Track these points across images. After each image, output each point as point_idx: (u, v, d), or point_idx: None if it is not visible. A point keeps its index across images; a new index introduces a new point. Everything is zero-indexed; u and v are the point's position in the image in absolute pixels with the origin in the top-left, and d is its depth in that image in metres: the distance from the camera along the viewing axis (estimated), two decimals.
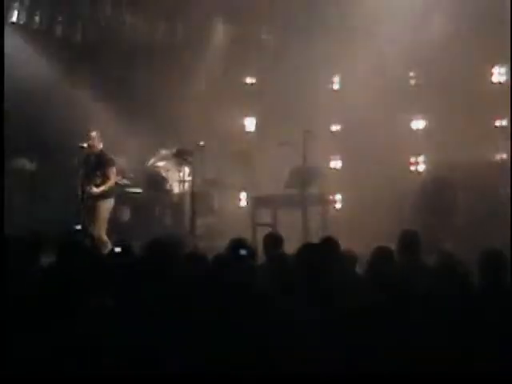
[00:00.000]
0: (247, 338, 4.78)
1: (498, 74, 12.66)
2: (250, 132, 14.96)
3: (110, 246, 10.58)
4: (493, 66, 12.68)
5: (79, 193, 11.69)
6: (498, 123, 12.55)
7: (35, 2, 13.78)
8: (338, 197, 13.99)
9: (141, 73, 13.59)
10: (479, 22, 11.90)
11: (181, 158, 12.28)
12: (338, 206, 13.95)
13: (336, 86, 14.43)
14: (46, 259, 6.98)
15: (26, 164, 13.50)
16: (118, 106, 13.12)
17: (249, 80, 14.96)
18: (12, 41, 13.15)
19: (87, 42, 13.84)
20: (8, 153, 12.81)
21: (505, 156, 12.12)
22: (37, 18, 14.12)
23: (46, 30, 13.79)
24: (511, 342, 4.40)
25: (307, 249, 6.69)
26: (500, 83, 12.62)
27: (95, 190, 11.48)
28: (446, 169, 12.00)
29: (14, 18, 14.23)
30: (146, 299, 5.66)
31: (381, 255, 6.34)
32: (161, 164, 13.08)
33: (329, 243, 6.84)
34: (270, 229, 10.38)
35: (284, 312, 5.21)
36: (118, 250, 7.50)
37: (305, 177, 11.72)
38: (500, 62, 12.58)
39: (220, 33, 14.23)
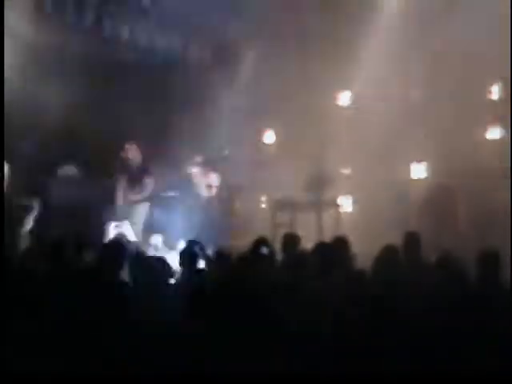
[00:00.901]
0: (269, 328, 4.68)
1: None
2: (270, 143, 14.90)
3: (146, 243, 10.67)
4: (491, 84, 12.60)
5: (120, 198, 11.77)
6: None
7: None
8: (349, 200, 13.90)
9: (176, 90, 13.53)
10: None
11: (209, 165, 12.29)
12: (349, 208, 13.86)
13: (347, 103, 14.31)
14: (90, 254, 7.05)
15: (72, 171, 13.53)
16: (155, 119, 13.09)
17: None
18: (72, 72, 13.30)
19: (124, 61, 13.81)
20: (57, 160, 12.89)
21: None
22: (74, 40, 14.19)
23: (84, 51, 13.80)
24: (506, 331, 4.33)
25: (321, 246, 6.71)
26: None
27: (135, 196, 11.55)
28: (447, 175, 11.96)
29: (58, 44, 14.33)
30: (180, 291, 5.70)
31: (387, 252, 6.34)
32: (192, 171, 13.05)
33: (340, 242, 6.84)
34: (288, 229, 10.39)
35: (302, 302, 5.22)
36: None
37: (319, 182, 11.73)
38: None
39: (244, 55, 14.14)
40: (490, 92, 12.55)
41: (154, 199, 12.10)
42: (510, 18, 11.28)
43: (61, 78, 12.73)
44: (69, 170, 13.30)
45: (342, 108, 14.18)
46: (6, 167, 11.74)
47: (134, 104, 12.83)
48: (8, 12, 11.83)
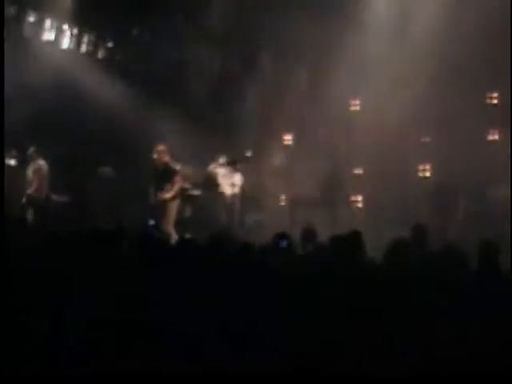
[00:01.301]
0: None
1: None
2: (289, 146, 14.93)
3: (175, 238, 10.72)
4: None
5: (152, 196, 11.85)
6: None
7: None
8: (360, 198, 13.89)
9: (202, 98, 13.60)
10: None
11: (232, 166, 12.35)
12: (360, 205, 13.87)
13: (357, 108, 14.34)
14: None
15: (110, 171, 13.65)
16: (183, 124, 13.18)
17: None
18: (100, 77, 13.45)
19: (157, 72, 13.91)
20: (97, 162, 13.03)
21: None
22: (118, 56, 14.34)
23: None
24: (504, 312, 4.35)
25: (336, 240, 6.76)
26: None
27: (164, 194, 11.62)
28: (448, 175, 11.95)
29: (100, 55, 14.49)
30: (205, 281, 5.74)
31: (397, 244, 6.35)
32: (216, 171, 13.12)
33: (353, 235, 6.87)
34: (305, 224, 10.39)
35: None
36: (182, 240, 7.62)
37: (333, 181, 11.75)
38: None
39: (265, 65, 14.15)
40: (490, 98, 12.57)
41: (181, 197, 12.19)
42: (510, 18, 11.22)
43: (102, 88, 12.94)
44: (106, 170, 13.47)
45: (353, 115, 14.20)
46: (45, 166, 11.92)
47: (164, 110, 12.96)
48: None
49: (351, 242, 6.62)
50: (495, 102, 12.63)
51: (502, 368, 3.81)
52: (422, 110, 13.24)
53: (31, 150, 11.91)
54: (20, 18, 13.25)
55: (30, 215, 11.46)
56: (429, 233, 7.05)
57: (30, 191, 11.72)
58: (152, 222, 11.35)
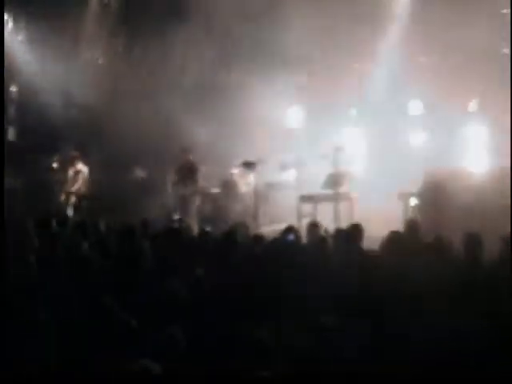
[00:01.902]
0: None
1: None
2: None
3: (197, 230, 10.80)
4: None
5: (175, 191, 11.94)
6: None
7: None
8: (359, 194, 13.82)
9: (222, 108, 13.59)
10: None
11: (247, 167, 12.37)
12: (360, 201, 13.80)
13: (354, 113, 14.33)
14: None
15: (139, 171, 13.74)
16: (205, 131, 13.23)
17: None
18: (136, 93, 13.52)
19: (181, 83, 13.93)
20: (128, 163, 13.11)
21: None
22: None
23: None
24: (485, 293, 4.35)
25: (339, 232, 6.82)
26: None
27: (187, 191, 11.70)
28: (440, 174, 11.88)
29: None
30: (223, 268, 5.79)
31: (393, 236, 6.38)
32: (233, 171, 13.15)
33: (354, 228, 6.91)
34: (311, 218, 10.41)
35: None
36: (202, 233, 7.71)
37: (336, 180, 11.71)
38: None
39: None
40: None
41: (202, 194, 12.26)
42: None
43: (133, 98, 13.01)
44: (138, 171, 13.55)
45: (352, 122, 14.19)
46: (84, 168, 12.02)
47: (188, 118, 13.01)
48: None
49: (352, 234, 6.68)
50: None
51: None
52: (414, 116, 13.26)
53: (72, 154, 12.02)
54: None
55: (69, 211, 11.59)
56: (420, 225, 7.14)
57: (70, 190, 11.83)
58: (176, 216, 11.45)
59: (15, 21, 12.76)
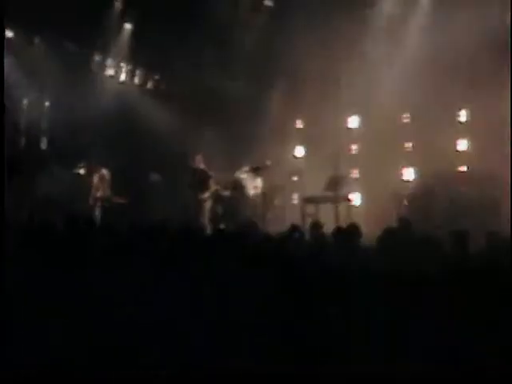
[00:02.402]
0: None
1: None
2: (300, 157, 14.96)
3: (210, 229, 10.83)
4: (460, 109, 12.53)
5: (191, 196, 11.97)
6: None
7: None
8: (357, 196, 13.84)
9: (233, 121, 13.61)
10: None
11: (255, 172, 12.38)
12: (357, 202, 13.82)
13: (355, 125, 14.34)
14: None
15: (158, 177, 13.78)
16: (216, 138, 13.26)
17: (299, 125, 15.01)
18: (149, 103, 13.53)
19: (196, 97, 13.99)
20: (148, 170, 13.15)
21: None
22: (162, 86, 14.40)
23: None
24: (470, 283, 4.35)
25: (339, 230, 6.80)
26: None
27: (201, 195, 11.73)
28: (428, 177, 11.89)
29: (149, 86, 14.60)
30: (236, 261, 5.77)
31: (387, 233, 6.37)
32: (242, 176, 13.16)
33: (352, 227, 6.91)
34: (313, 218, 10.42)
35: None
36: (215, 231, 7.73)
37: (336, 183, 11.71)
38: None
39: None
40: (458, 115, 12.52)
41: (214, 197, 12.28)
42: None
43: (151, 111, 13.07)
44: (154, 176, 13.60)
45: (351, 128, 14.18)
46: (108, 174, 12.06)
47: (201, 128, 13.06)
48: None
49: (350, 232, 6.67)
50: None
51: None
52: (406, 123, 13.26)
53: (96, 161, 12.08)
54: (89, 58, 13.55)
55: (96, 214, 11.63)
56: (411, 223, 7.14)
57: (96, 195, 11.89)
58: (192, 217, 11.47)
59: (49, 44, 12.84)
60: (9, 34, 12.30)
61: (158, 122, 13.20)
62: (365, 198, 13.63)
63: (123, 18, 12.86)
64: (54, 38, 12.63)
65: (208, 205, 12.09)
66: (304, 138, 14.52)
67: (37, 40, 12.71)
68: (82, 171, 12.20)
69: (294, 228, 7.28)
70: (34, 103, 13.30)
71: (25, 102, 13.42)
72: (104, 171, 12.05)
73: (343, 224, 7.92)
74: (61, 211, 10.42)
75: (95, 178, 12.00)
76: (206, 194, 11.92)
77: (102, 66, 13.89)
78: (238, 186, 13.13)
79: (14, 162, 12.13)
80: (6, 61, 12.00)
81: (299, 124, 14.75)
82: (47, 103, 13.70)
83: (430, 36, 11.62)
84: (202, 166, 12.19)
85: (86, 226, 7.21)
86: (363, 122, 13.97)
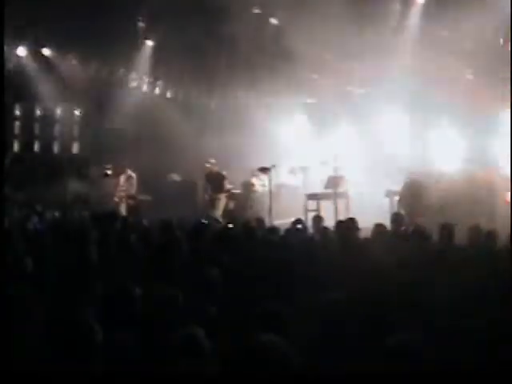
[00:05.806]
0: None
1: None
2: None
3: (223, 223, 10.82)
4: None
5: (207, 196, 12.01)
6: None
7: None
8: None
9: (243, 127, 13.59)
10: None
11: (263, 171, 12.35)
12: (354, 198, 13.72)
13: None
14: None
15: (175, 176, 13.83)
16: (229, 144, 13.23)
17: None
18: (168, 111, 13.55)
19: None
20: (167, 171, 13.18)
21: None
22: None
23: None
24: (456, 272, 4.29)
25: (338, 224, 6.80)
26: None
27: (216, 194, 11.76)
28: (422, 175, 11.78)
29: (168, 95, 14.64)
30: (245, 254, 5.73)
31: (380, 227, 6.36)
32: (251, 175, 13.13)
33: (350, 221, 6.89)
34: (315, 212, 10.40)
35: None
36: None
37: (336, 181, 11.70)
38: None
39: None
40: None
41: (227, 194, 12.26)
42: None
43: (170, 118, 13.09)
44: (174, 176, 13.62)
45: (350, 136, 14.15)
46: (133, 174, 12.08)
47: (215, 135, 13.08)
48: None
49: (348, 225, 6.65)
50: None
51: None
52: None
53: (123, 163, 12.11)
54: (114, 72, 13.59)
55: (122, 210, 11.66)
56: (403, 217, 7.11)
57: (123, 193, 11.91)
58: (208, 213, 11.46)
59: (79, 59, 12.87)
60: (46, 52, 12.44)
61: (177, 128, 13.22)
62: (361, 195, 13.54)
63: (145, 35, 12.87)
64: (84, 54, 12.70)
65: (222, 202, 12.09)
66: (307, 141, 14.44)
67: (70, 56, 12.78)
68: (109, 172, 12.23)
69: (298, 221, 7.29)
70: (67, 112, 13.39)
71: (58, 111, 13.55)
72: (130, 172, 12.07)
73: (342, 218, 7.90)
74: (90, 208, 10.49)
75: (122, 179, 12.02)
76: (221, 193, 11.92)
77: (127, 79, 13.94)
78: (247, 185, 13.16)
79: (51, 165, 12.24)
80: (43, 75, 12.22)
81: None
82: (78, 112, 13.82)
83: None
84: (216, 167, 12.20)
85: (110, 221, 7.24)
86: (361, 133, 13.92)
